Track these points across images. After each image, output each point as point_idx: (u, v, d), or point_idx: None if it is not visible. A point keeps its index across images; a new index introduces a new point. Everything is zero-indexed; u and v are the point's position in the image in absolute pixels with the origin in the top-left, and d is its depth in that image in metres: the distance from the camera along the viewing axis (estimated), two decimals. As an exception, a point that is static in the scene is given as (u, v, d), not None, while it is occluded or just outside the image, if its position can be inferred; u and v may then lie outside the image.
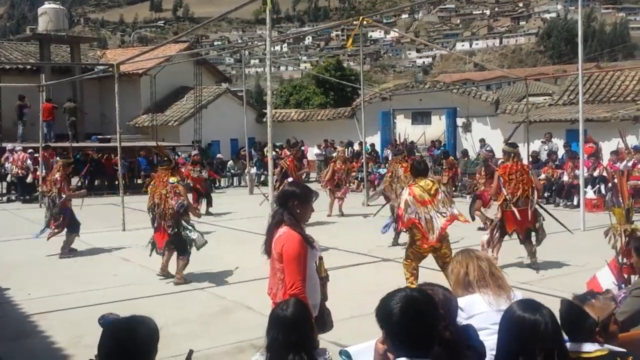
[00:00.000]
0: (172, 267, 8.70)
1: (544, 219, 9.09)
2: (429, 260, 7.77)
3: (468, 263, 3.62)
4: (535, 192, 8.92)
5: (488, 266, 3.62)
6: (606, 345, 2.70)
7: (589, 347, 2.68)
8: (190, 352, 2.59)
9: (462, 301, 3.36)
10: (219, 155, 25.76)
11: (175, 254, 8.71)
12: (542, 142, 19.57)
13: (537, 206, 9.00)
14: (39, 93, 20.02)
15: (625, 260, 4.59)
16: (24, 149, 19.62)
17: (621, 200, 5.08)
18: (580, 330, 2.73)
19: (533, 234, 8.94)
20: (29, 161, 19.27)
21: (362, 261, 9.57)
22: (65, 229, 10.69)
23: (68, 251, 10.59)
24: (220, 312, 7.13)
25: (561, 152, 18.42)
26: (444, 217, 7.11)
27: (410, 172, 7.94)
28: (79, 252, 10.73)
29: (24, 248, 11.14)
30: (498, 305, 3.49)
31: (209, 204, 15.81)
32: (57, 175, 10.71)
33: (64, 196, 10.58)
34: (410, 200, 7.07)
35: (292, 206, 4.04)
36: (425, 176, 7.42)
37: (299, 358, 2.87)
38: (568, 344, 2.64)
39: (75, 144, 22.55)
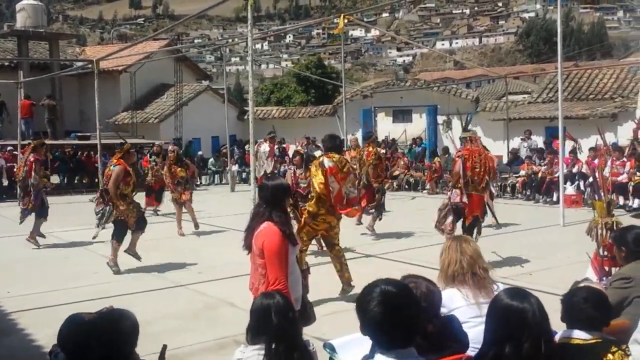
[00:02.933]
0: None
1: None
2: (417, 256, 7.83)
3: (452, 256, 3.69)
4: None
5: (471, 265, 3.65)
6: (601, 334, 2.73)
7: (581, 334, 2.70)
8: (164, 347, 2.57)
9: (442, 296, 3.39)
10: (199, 153, 25.62)
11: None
12: (521, 139, 19.79)
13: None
14: (17, 90, 19.74)
15: (606, 253, 4.65)
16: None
17: (602, 194, 5.14)
18: (578, 318, 2.76)
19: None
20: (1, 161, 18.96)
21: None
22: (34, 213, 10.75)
23: (36, 237, 10.69)
24: (203, 308, 7.10)
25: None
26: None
27: (323, 145, 7.88)
28: (58, 249, 10.61)
29: (2, 246, 10.98)
30: (475, 299, 3.54)
31: (159, 200, 14.07)
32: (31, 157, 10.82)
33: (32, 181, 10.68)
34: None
35: (284, 202, 4.01)
36: (339, 152, 7.50)
37: (284, 348, 2.87)
38: (559, 331, 2.66)
39: (54, 141, 22.26)
